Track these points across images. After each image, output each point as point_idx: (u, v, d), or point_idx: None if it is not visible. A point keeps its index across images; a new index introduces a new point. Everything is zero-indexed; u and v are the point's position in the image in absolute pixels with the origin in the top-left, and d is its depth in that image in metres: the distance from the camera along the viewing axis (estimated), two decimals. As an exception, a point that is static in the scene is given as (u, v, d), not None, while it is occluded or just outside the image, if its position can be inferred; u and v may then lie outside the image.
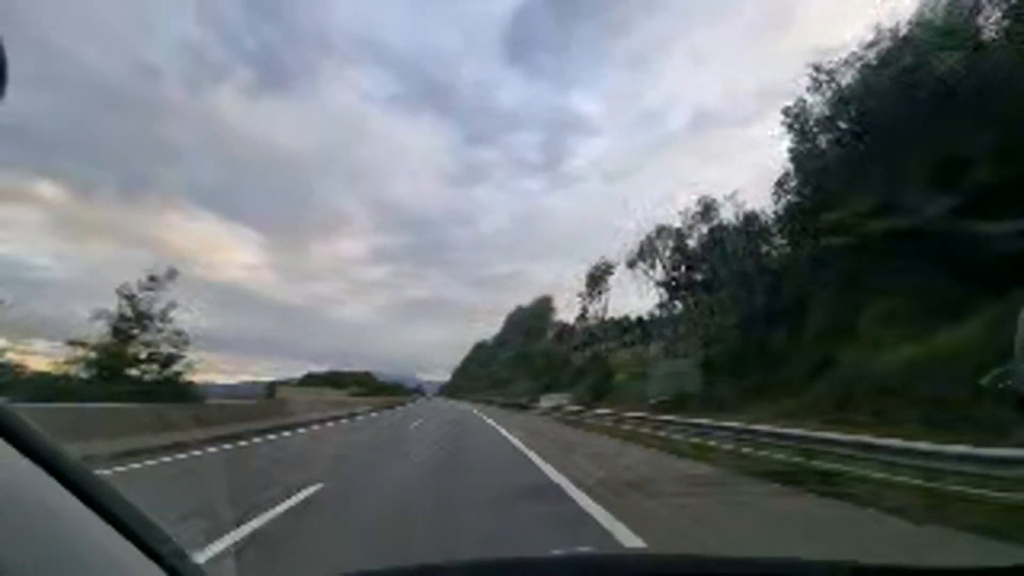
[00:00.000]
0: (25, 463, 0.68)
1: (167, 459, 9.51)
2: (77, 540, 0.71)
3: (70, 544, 0.69)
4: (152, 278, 20.20)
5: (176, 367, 20.06)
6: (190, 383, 20.31)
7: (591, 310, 60.24)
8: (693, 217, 36.34)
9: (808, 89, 23.82)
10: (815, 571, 1.45)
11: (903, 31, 19.39)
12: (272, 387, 63.26)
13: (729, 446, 11.00)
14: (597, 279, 56.77)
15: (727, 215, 34.12)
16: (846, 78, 21.96)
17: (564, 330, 73.68)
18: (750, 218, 32.13)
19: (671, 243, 38.32)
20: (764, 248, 30.38)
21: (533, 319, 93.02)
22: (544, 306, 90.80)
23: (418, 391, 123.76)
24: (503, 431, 18.07)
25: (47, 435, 0.72)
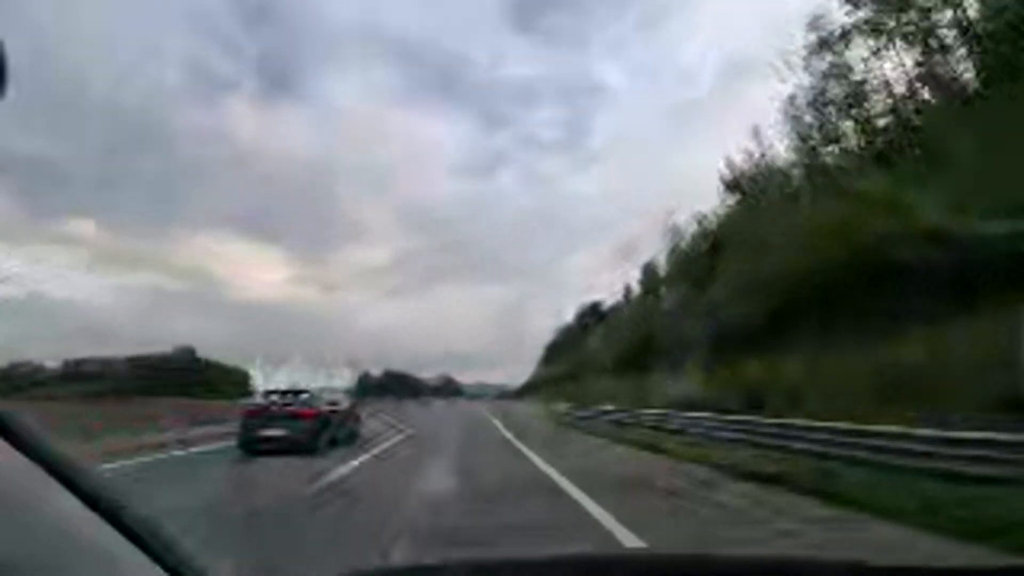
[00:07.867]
0: (25, 463, 0.68)
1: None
2: (78, 541, 0.71)
3: (71, 545, 0.69)
4: None
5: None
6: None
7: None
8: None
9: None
10: (816, 571, 1.43)
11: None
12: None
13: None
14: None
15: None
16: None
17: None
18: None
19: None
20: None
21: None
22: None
23: (454, 393, 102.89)
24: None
25: (47, 435, 0.72)
